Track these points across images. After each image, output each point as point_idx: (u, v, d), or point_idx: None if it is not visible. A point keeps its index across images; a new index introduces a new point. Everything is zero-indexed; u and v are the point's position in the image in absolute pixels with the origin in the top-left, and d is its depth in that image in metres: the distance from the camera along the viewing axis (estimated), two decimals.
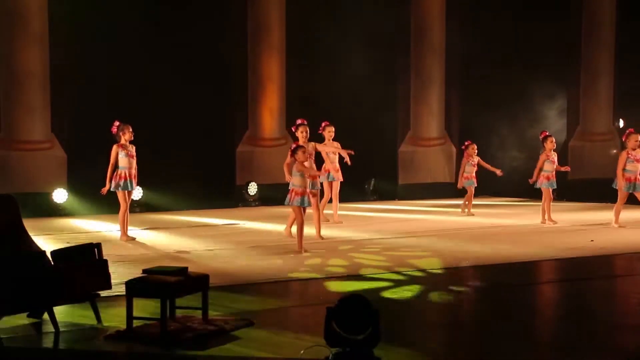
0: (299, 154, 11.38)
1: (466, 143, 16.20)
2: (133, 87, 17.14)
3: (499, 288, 9.47)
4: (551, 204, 14.71)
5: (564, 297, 9.14)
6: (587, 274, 10.30)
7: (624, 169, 13.92)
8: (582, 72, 21.87)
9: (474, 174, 16.04)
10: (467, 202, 16.13)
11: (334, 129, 14.64)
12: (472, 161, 15.98)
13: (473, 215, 15.86)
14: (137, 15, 17.41)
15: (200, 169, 18.04)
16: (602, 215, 15.83)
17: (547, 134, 15.05)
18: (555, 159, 14.76)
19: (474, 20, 20.45)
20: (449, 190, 20.62)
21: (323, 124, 14.71)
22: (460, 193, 20.25)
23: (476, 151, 16.05)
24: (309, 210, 12.03)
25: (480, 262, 10.80)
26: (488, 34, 20.32)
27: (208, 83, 18.22)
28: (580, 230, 13.84)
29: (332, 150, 14.10)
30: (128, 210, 12.77)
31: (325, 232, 13.03)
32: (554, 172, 14.67)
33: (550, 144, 14.69)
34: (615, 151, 21.63)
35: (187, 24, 17.84)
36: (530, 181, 14.73)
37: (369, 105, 19.43)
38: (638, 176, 13.95)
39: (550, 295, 9.20)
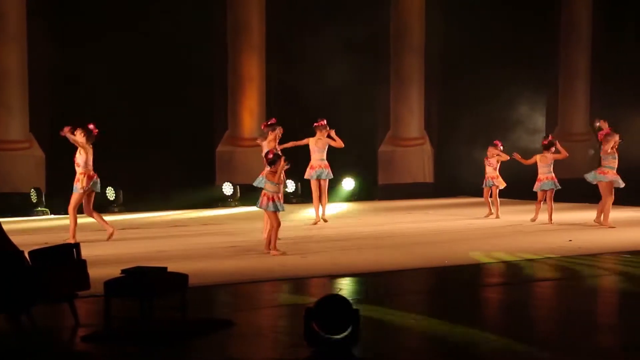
0: (281, 163, 11.23)
1: (495, 142, 15.84)
2: (112, 86, 17.07)
3: (476, 287, 9.51)
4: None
5: (542, 296, 9.18)
6: (564, 273, 10.36)
7: None
8: (560, 73, 22.02)
9: (495, 175, 15.67)
10: (493, 203, 15.74)
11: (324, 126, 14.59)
12: (491, 162, 15.62)
13: (498, 217, 15.57)
14: (116, 14, 17.35)
15: (179, 169, 17.99)
16: (581, 215, 15.92)
17: (551, 138, 15.21)
18: (552, 161, 14.78)
19: (453, 21, 20.51)
20: (428, 190, 20.67)
21: (316, 124, 14.68)
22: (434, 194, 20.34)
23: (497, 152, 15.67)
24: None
25: (458, 262, 10.84)
26: (468, 35, 20.38)
27: (187, 83, 18.18)
28: (559, 230, 13.90)
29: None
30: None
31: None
32: (550, 174, 14.74)
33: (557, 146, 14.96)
34: (592, 151, 21.77)
35: (167, 24, 17.77)
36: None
37: (349, 105, 19.45)
38: None
39: (532, 295, 9.24)
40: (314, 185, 14.58)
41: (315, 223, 14.55)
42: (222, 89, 19.05)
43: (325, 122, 14.59)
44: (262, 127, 13.16)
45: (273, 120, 13.11)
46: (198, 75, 18.40)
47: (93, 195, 12.44)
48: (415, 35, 20.54)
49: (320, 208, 14.57)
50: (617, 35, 21.47)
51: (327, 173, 14.52)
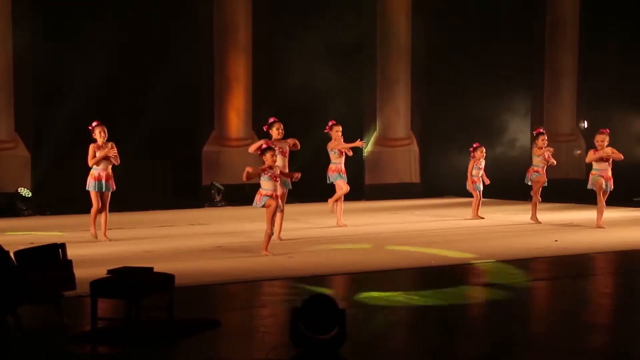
0: (267, 156, 11.18)
1: (474, 145, 15.63)
2: (97, 86, 17.02)
3: (469, 288, 9.52)
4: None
5: (530, 297, 9.20)
6: (553, 274, 10.40)
7: None
8: (546, 73, 22.07)
9: (480, 177, 15.48)
10: (476, 206, 15.52)
11: (340, 128, 14.41)
12: (479, 164, 15.45)
13: (483, 218, 15.40)
14: (103, 13, 17.30)
15: (166, 169, 17.96)
16: (567, 215, 15.98)
17: (541, 130, 15.11)
18: (546, 156, 14.77)
19: (440, 20, 20.55)
20: (415, 190, 20.68)
21: (330, 123, 14.53)
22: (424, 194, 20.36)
23: (484, 154, 15.50)
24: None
25: (444, 262, 10.86)
26: (454, 35, 20.42)
27: (174, 83, 18.13)
28: (545, 231, 13.93)
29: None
30: (103, 210, 12.62)
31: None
32: (544, 169, 14.73)
33: (542, 142, 14.68)
34: (579, 152, 21.86)
35: (154, 23, 17.75)
36: (527, 181, 14.73)
37: (336, 106, 19.44)
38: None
39: (517, 295, 9.26)
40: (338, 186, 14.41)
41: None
42: (208, 88, 19.03)
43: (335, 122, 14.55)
44: (265, 129, 13.08)
45: (271, 119, 13.05)
46: (184, 75, 18.36)
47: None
48: (402, 36, 20.56)
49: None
50: (601, 34, 21.54)
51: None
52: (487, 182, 15.56)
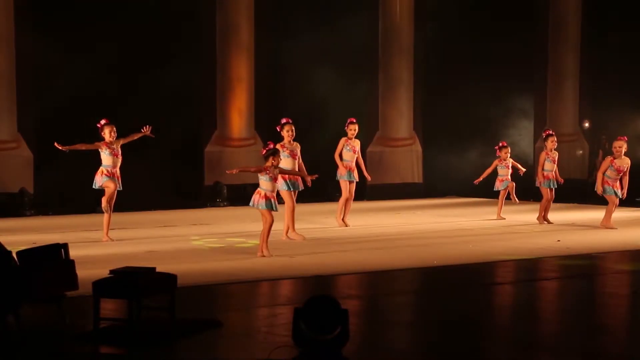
0: (271, 158, 11.15)
1: (500, 144, 15.62)
2: (100, 86, 17.01)
3: (471, 288, 9.51)
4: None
5: (534, 297, 9.19)
6: (556, 274, 10.39)
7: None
8: (549, 74, 22.06)
9: (508, 177, 15.41)
10: (513, 199, 15.47)
11: (356, 127, 14.35)
12: (506, 163, 15.39)
13: (504, 219, 15.30)
14: (105, 13, 17.29)
15: (168, 169, 17.94)
16: (569, 215, 15.97)
17: (550, 132, 15.07)
18: (556, 158, 14.75)
19: (442, 21, 20.54)
20: (417, 190, 20.67)
21: (348, 121, 14.47)
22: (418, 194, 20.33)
23: (509, 154, 15.47)
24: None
25: (447, 262, 10.85)
26: (456, 35, 20.41)
27: (176, 83, 18.12)
28: (548, 231, 13.93)
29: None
30: (111, 210, 12.64)
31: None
32: (555, 172, 14.69)
33: (551, 143, 14.68)
34: (581, 152, 21.85)
35: (155, 24, 17.74)
36: (537, 183, 14.69)
37: (338, 106, 19.43)
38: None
39: (520, 295, 9.26)
40: (344, 186, 14.36)
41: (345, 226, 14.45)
42: (210, 89, 19.02)
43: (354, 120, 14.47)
44: (278, 129, 13.07)
45: (283, 120, 13.03)
46: (187, 75, 18.35)
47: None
48: (404, 35, 20.55)
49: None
50: (604, 34, 21.53)
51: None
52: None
